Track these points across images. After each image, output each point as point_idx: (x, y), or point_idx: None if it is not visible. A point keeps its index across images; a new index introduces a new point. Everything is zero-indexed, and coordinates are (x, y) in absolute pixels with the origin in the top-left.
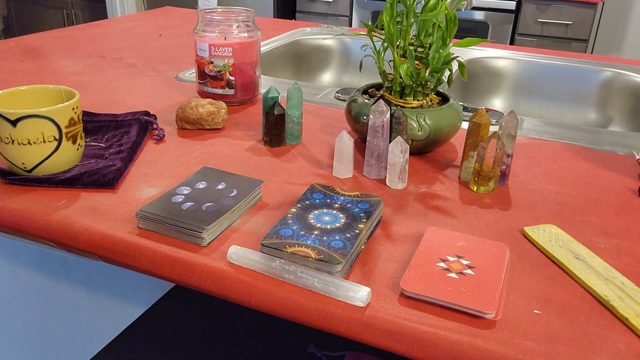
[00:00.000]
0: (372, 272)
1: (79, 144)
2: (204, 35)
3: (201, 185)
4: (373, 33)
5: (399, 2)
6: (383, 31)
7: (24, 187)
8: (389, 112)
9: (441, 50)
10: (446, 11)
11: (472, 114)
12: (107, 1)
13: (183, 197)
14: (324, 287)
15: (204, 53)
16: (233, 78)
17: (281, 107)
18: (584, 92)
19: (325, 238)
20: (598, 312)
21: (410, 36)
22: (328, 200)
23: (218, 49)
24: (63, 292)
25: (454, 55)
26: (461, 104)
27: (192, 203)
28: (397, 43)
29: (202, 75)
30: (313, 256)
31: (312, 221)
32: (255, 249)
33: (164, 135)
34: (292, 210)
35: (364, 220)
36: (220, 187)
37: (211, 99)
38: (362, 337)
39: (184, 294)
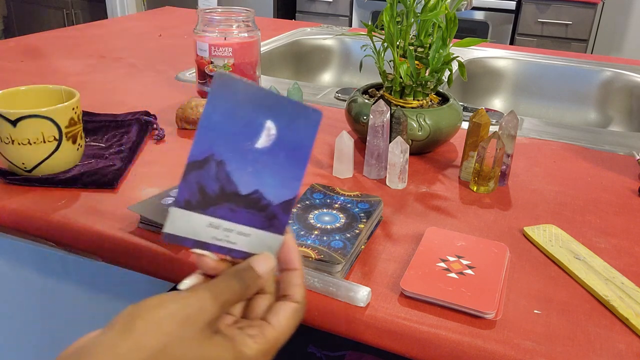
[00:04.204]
0: (372, 272)
1: (78, 144)
2: (204, 35)
3: None
4: (373, 33)
5: (399, 2)
6: (383, 31)
7: (24, 187)
8: (389, 112)
9: (441, 50)
10: (446, 11)
11: (472, 114)
12: (107, 1)
13: (173, 199)
14: (324, 287)
15: (204, 53)
16: None
17: None
18: (584, 92)
19: (325, 238)
20: (598, 312)
21: (410, 36)
22: (328, 200)
23: (218, 49)
24: (63, 292)
25: (454, 55)
26: (461, 104)
27: None
28: (397, 43)
29: (202, 75)
30: (313, 256)
31: (312, 221)
32: None
33: (164, 135)
34: (292, 210)
35: (364, 220)
36: None
37: None
38: (362, 337)
39: None
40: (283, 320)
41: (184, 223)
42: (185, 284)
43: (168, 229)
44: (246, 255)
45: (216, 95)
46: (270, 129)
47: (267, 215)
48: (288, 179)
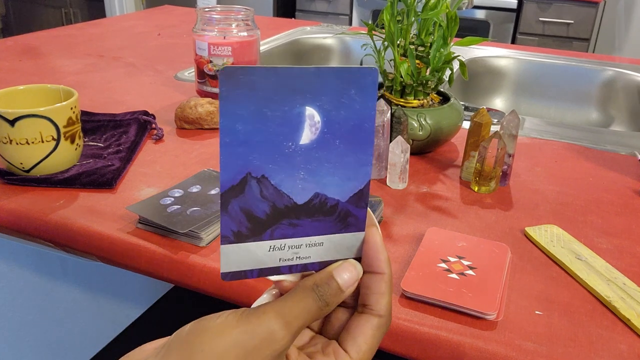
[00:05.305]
0: None
1: (77, 144)
2: (203, 34)
3: (195, 189)
4: (373, 32)
5: (400, 0)
6: (383, 30)
7: (22, 187)
8: (390, 111)
9: (442, 49)
10: (447, 10)
11: (473, 113)
12: (106, 0)
13: (172, 199)
14: None
15: (203, 52)
16: None
17: None
18: (585, 92)
19: None
20: (600, 312)
21: (410, 35)
22: None
23: (217, 48)
24: (61, 293)
25: (455, 55)
26: (462, 103)
27: (179, 206)
28: (398, 42)
29: (202, 74)
30: None
31: None
32: None
33: (163, 135)
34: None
35: None
36: (213, 192)
37: (210, 99)
38: None
39: (183, 294)
40: (363, 344)
41: (241, 257)
42: (260, 302)
43: (225, 268)
44: (325, 264)
45: (230, 99)
46: (312, 116)
47: (338, 217)
48: (353, 168)
